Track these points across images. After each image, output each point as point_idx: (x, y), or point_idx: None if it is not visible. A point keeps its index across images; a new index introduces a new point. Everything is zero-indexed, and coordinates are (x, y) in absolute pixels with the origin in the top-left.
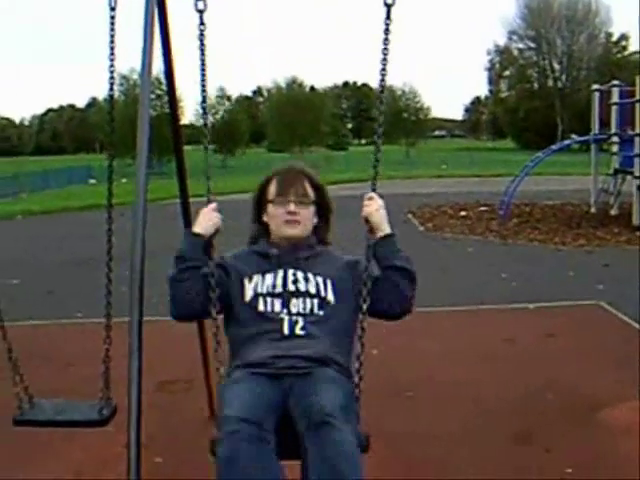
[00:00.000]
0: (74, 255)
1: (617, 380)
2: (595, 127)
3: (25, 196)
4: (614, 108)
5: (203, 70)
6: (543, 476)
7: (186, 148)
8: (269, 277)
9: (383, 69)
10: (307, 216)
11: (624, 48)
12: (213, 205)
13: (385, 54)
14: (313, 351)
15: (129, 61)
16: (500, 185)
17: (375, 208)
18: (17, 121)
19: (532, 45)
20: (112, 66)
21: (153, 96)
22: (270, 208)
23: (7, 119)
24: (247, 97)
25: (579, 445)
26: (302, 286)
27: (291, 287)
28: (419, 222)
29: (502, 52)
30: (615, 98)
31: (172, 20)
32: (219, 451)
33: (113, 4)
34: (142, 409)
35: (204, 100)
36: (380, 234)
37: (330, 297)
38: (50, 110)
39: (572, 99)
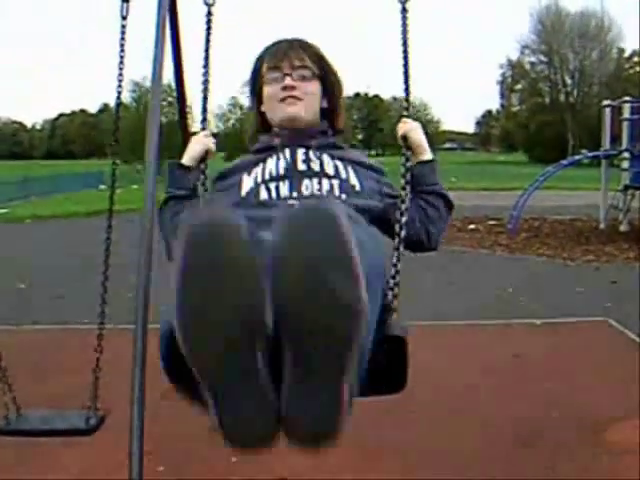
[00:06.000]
0: (82, 260)
1: (623, 398)
2: (606, 142)
3: (35, 200)
4: (625, 124)
5: (207, 60)
6: None
7: None
8: (271, 161)
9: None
10: (310, 90)
11: (636, 64)
12: (205, 132)
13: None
14: None
15: (141, 68)
16: (510, 199)
17: (413, 127)
18: (29, 125)
19: (544, 59)
20: (121, 75)
21: (164, 103)
22: (264, 90)
23: (19, 123)
24: None
25: (583, 463)
26: (316, 166)
27: (301, 166)
28: None
29: (514, 66)
30: (626, 114)
31: (183, 28)
32: None
33: (124, 13)
34: (144, 417)
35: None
36: (421, 157)
37: (354, 181)
38: (62, 115)
39: (583, 114)
